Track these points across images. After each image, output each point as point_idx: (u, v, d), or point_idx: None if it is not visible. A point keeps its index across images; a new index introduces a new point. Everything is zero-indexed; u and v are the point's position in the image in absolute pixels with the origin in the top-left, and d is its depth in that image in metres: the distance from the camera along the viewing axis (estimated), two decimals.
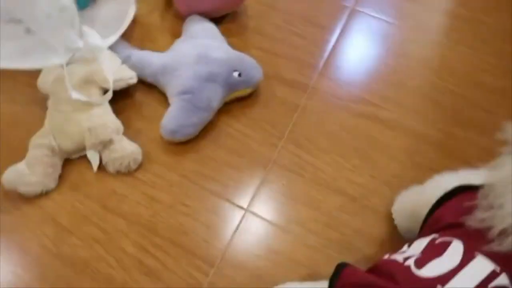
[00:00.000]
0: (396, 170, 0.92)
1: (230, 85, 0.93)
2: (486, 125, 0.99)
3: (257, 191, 0.88)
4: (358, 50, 1.12)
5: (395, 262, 0.53)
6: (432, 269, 0.48)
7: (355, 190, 0.89)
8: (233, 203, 0.87)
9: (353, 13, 1.19)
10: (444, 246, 0.50)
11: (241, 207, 0.86)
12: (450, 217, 0.55)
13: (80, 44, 0.86)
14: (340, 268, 0.56)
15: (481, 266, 0.46)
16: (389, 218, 0.85)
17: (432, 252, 0.51)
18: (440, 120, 1.00)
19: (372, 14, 1.19)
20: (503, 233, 0.45)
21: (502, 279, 0.45)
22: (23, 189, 0.81)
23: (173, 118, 0.88)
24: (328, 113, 1.00)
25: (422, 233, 0.63)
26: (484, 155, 0.62)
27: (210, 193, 0.88)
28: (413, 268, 0.49)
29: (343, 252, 0.82)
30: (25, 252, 0.79)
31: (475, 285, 0.44)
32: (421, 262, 0.49)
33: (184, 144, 0.92)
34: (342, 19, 1.17)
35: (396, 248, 0.62)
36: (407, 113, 1.00)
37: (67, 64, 0.89)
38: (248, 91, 0.97)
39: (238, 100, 0.99)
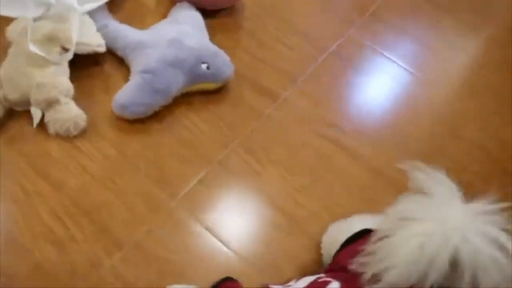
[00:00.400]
0: (343, 199, 0.86)
1: (196, 76, 0.91)
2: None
3: (192, 188, 0.84)
4: (341, 76, 1.07)
5: None
6: None
7: (296, 210, 0.84)
8: (164, 193, 0.83)
9: (351, 43, 1.15)
10: (324, 285, 0.52)
11: (171, 199, 0.83)
12: (345, 260, 0.55)
13: (52, 0, 0.85)
14: (223, 280, 0.59)
15: None
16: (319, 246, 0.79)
17: None
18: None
19: (385, 53, 1.15)
20: (374, 277, 0.44)
21: None
22: None
23: (127, 94, 0.86)
24: (291, 127, 0.95)
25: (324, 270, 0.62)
26: None
27: (144, 177, 0.84)
28: None
29: (265, 269, 0.77)
30: None
31: None
32: None
33: (135, 124, 0.89)
34: (336, 45, 1.13)
35: None
36: (373, 148, 0.95)
37: (40, 19, 0.89)
38: (213, 85, 0.94)
39: (203, 94, 0.96)
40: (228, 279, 0.61)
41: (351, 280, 0.49)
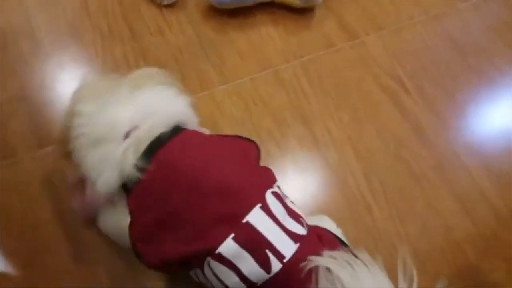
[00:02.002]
0: (373, 147, 0.87)
1: None
2: None
3: (242, 82, 0.91)
4: (432, 42, 1.02)
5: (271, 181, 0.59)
6: (275, 207, 0.54)
7: (322, 137, 0.87)
8: (216, 77, 0.91)
9: None
10: (301, 220, 0.57)
11: (220, 84, 0.91)
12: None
13: None
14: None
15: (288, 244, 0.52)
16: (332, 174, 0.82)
17: (292, 212, 0.57)
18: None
19: None
20: None
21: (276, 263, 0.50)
22: None
23: None
24: (355, 67, 0.96)
25: None
26: None
27: (205, 58, 0.93)
28: (270, 191, 0.56)
29: None
30: None
31: (267, 235, 0.50)
32: (281, 198, 0.57)
33: (219, 15, 0.97)
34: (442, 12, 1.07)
35: None
36: (429, 118, 0.91)
37: None
38: (300, 4, 0.97)
39: (288, 10, 1.00)
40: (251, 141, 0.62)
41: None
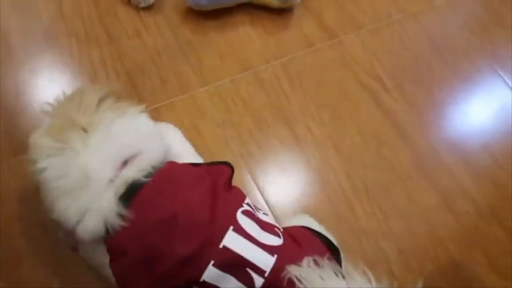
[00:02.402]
0: (355, 145, 0.87)
1: None
2: None
3: (223, 84, 0.91)
4: (410, 43, 1.03)
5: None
6: (246, 223, 0.56)
7: (305, 136, 0.87)
8: (196, 79, 0.91)
9: None
10: (277, 232, 0.59)
11: (200, 86, 0.90)
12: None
13: None
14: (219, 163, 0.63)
15: (263, 258, 0.54)
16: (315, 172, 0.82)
17: (266, 226, 0.59)
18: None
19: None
20: None
21: (259, 280, 0.53)
22: None
23: None
24: (334, 67, 0.96)
25: None
26: None
27: (184, 60, 0.92)
28: (240, 210, 0.58)
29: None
30: None
31: (243, 256, 0.53)
32: (256, 212, 0.60)
33: (197, 17, 0.96)
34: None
35: None
36: (410, 115, 0.92)
37: None
38: (278, 4, 0.97)
39: (266, 10, 0.99)
40: (225, 163, 0.63)
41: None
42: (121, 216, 0.53)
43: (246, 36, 0.97)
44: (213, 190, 0.57)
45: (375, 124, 0.90)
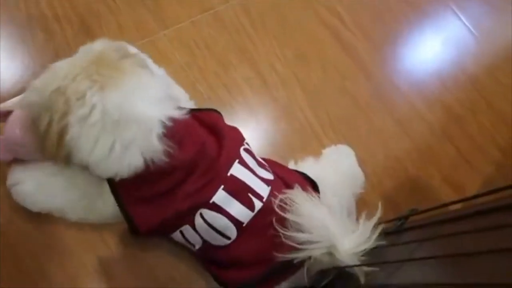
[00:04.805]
0: (319, 79, 0.90)
1: None
2: None
3: (183, 26, 0.89)
4: None
5: (241, 138, 0.68)
6: (247, 158, 0.65)
7: (269, 76, 0.89)
8: (156, 23, 0.88)
9: None
10: (268, 169, 0.69)
11: (160, 29, 0.88)
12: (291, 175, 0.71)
13: None
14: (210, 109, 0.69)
15: (261, 187, 0.63)
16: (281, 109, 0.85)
17: (260, 163, 0.68)
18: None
19: None
20: None
21: (258, 203, 0.62)
22: None
23: None
24: (297, 4, 0.96)
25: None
26: None
27: (142, 4, 0.89)
28: (242, 148, 0.66)
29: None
30: None
31: (247, 185, 0.62)
32: (249, 152, 0.67)
33: None
34: None
35: None
36: (367, 43, 0.96)
37: None
38: None
39: None
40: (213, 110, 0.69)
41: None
42: (166, 152, 0.56)
43: None
44: (221, 131, 0.64)
45: (337, 59, 0.93)
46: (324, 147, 0.84)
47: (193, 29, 0.89)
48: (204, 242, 0.63)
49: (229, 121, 0.84)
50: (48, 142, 0.54)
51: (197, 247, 0.64)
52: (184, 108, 0.62)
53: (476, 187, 0.85)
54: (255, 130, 0.85)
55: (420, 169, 0.86)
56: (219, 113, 0.69)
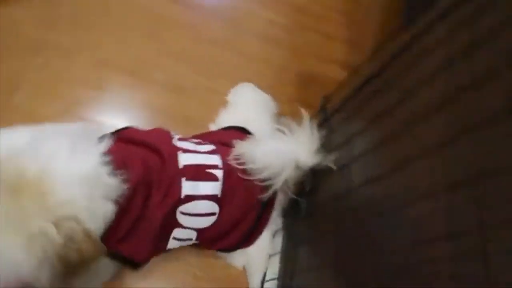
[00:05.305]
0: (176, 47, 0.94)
1: None
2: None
3: None
4: None
5: (167, 132, 0.71)
6: (184, 145, 0.69)
7: (141, 68, 0.89)
8: None
9: None
10: (203, 143, 0.73)
11: None
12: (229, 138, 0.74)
13: None
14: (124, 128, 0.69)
15: (213, 159, 0.69)
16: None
17: (194, 142, 0.72)
18: None
19: None
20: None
21: (218, 172, 0.68)
22: None
23: None
24: None
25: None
26: None
27: None
28: (174, 139, 0.69)
29: None
30: None
31: (200, 163, 0.67)
32: (182, 139, 0.70)
33: None
34: None
35: None
36: None
37: None
38: None
39: None
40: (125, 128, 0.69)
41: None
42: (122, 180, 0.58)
43: None
44: (143, 140, 0.66)
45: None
46: (225, 95, 0.90)
47: None
48: (197, 230, 0.67)
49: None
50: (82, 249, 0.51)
51: (194, 238, 0.68)
52: (104, 135, 0.62)
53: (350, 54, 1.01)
54: (162, 121, 0.86)
55: (302, 64, 0.98)
56: (131, 127, 0.70)
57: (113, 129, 0.68)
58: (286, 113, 0.89)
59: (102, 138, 0.61)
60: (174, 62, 0.91)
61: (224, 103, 0.88)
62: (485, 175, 0.34)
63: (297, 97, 0.93)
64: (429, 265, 0.38)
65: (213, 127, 0.83)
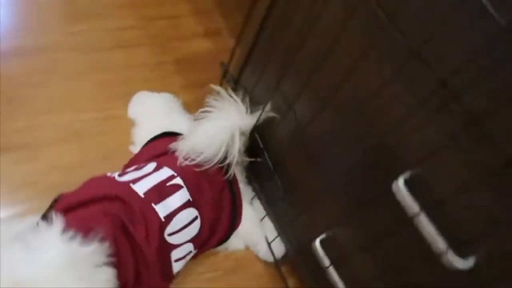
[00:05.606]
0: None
1: None
2: None
3: None
4: None
5: (103, 176, 0.67)
6: (129, 176, 0.66)
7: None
8: None
9: None
10: (143, 166, 0.71)
11: None
12: (162, 147, 0.75)
13: None
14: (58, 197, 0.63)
15: (165, 172, 0.68)
16: None
17: (134, 169, 0.70)
18: None
19: None
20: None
21: (178, 180, 0.68)
22: None
23: None
24: None
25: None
26: None
27: None
28: (116, 177, 0.66)
29: None
30: None
31: (157, 182, 0.66)
32: (122, 174, 0.68)
33: None
34: None
35: None
36: None
37: None
38: None
39: None
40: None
41: (166, 159, 0.70)
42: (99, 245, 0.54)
43: None
44: (90, 197, 0.62)
45: None
46: (125, 114, 0.86)
47: None
48: (191, 240, 0.67)
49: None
50: None
51: (192, 249, 0.68)
52: (50, 213, 0.55)
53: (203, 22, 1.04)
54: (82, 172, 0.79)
55: (171, 51, 0.98)
56: (62, 194, 0.64)
57: (46, 207, 0.61)
58: (191, 100, 0.90)
59: (46, 221, 0.54)
60: (52, 116, 0.83)
61: (129, 123, 0.85)
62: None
63: (190, 82, 0.94)
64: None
65: (136, 148, 0.80)
